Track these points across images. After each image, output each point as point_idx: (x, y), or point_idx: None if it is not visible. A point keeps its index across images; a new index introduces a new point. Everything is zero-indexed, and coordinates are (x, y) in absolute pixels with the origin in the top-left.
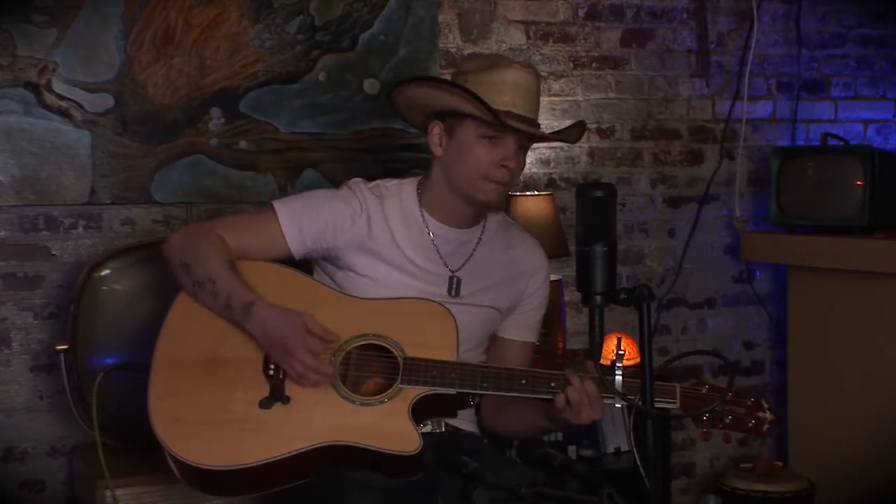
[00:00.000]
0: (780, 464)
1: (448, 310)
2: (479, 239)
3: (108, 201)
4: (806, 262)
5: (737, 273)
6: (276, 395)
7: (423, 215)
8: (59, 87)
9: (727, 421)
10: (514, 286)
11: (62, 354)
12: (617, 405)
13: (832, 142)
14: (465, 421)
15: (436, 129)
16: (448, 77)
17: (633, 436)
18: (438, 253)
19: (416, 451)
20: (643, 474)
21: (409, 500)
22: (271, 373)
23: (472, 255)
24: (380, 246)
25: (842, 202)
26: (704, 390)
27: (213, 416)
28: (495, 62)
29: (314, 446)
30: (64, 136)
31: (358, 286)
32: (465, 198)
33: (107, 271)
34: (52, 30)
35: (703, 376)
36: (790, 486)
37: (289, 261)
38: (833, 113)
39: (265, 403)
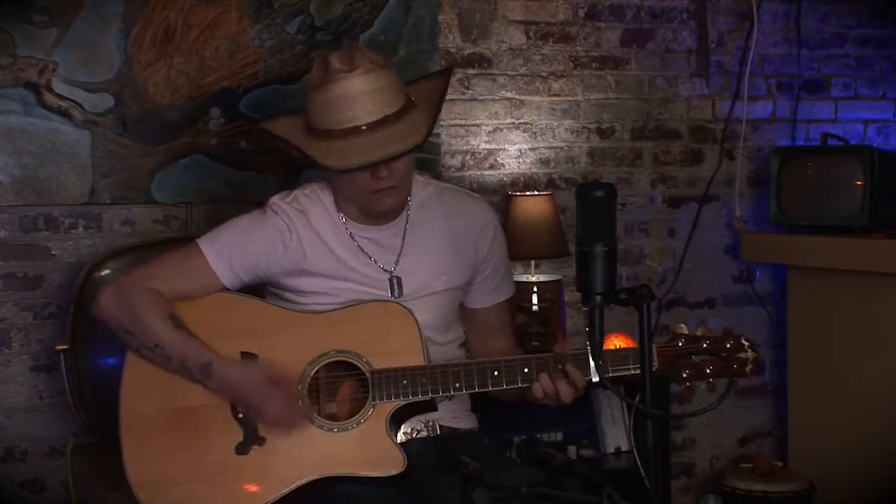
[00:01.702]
0: (780, 464)
1: (408, 309)
2: (406, 229)
3: (108, 201)
4: (806, 262)
5: (737, 273)
6: (251, 438)
7: (342, 219)
8: (59, 87)
9: (708, 371)
10: (464, 257)
11: (62, 354)
12: (594, 380)
13: (832, 142)
14: (460, 419)
15: None
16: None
17: (632, 436)
18: (367, 255)
19: (402, 470)
20: (643, 474)
21: None
22: (241, 415)
23: (401, 249)
24: (318, 264)
25: (842, 202)
26: (681, 343)
27: (193, 474)
28: (324, 76)
29: (300, 485)
30: (64, 136)
31: (308, 304)
32: (365, 211)
33: (107, 271)
34: (52, 30)
35: (679, 327)
36: (790, 486)
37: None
38: (833, 113)
39: (241, 449)
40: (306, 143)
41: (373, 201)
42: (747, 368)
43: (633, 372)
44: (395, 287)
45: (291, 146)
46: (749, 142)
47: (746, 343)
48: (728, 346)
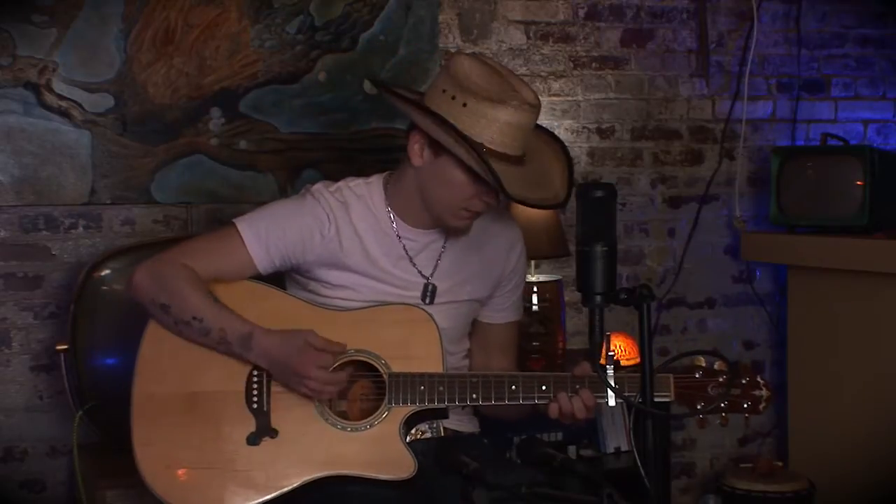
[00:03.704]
0: (779, 464)
1: (430, 315)
2: (447, 238)
3: (108, 201)
4: (806, 262)
5: (737, 273)
6: (264, 430)
7: (391, 218)
8: (59, 87)
9: (723, 405)
10: (491, 271)
11: (62, 354)
12: (611, 403)
13: (832, 142)
14: (464, 422)
15: (418, 140)
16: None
17: (632, 436)
18: (409, 258)
19: (412, 475)
20: (643, 474)
21: None
22: (255, 406)
23: (441, 255)
24: (351, 258)
25: (842, 202)
26: (698, 375)
27: (202, 459)
28: (504, 95)
29: (308, 480)
30: (64, 136)
31: (333, 297)
32: (436, 218)
33: (107, 271)
34: (52, 30)
35: (697, 359)
36: (790, 486)
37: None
38: (833, 113)
39: (253, 439)
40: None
41: (455, 216)
42: (761, 406)
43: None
44: (429, 294)
45: (455, 140)
46: (749, 142)
47: (762, 380)
48: (744, 381)
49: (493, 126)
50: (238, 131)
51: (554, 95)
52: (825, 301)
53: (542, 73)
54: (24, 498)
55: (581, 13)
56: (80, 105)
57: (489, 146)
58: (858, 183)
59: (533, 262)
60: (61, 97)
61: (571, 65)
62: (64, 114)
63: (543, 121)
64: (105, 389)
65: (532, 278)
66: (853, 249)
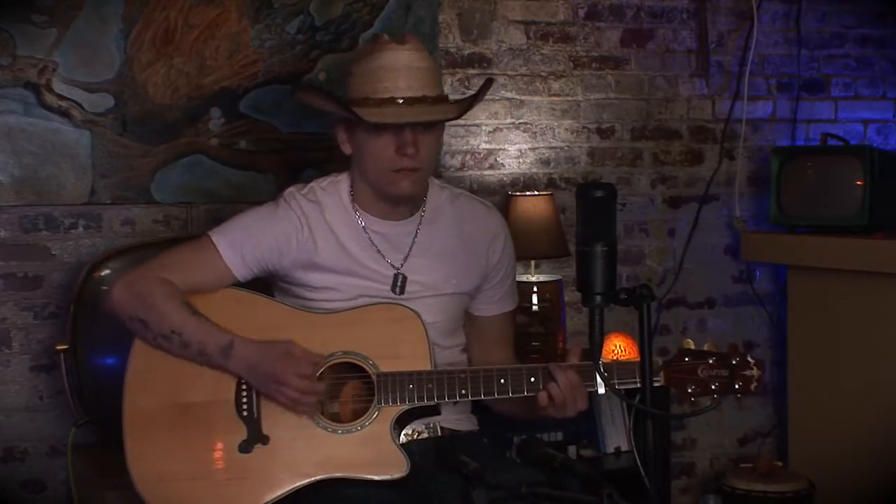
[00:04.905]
0: (779, 464)
1: (416, 313)
2: (418, 229)
3: (108, 201)
4: (806, 262)
5: (737, 273)
6: (255, 437)
7: (356, 211)
8: (59, 87)
9: (714, 387)
10: (475, 262)
11: (62, 354)
12: (600, 391)
13: (832, 142)
14: (462, 421)
15: (340, 130)
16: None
17: (632, 436)
18: (377, 249)
19: (405, 474)
20: (643, 474)
21: None
22: (245, 413)
23: (412, 247)
24: (328, 259)
25: (842, 202)
26: (687, 360)
27: (195, 470)
28: (374, 46)
29: (302, 485)
30: (64, 136)
31: (318, 299)
32: (381, 194)
33: (107, 271)
34: (52, 30)
35: (686, 342)
36: (790, 486)
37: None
38: (833, 113)
39: (244, 447)
40: (343, 104)
41: (392, 182)
42: (752, 386)
43: (638, 385)
44: (398, 284)
45: (330, 102)
46: (749, 142)
47: (752, 360)
48: (734, 362)
49: (373, 77)
50: (238, 131)
51: (554, 95)
52: (825, 301)
53: (542, 73)
54: (24, 498)
55: (581, 13)
56: (80, 105)
57: (374, 96)
58: (858, 183)
59: (533, 262)
60: (61, 97)
61: (571, 65)
62: (64, 114)
63: (544, 120)
64: (105, 389)
65: (532, 278)
66: (853, 249)
